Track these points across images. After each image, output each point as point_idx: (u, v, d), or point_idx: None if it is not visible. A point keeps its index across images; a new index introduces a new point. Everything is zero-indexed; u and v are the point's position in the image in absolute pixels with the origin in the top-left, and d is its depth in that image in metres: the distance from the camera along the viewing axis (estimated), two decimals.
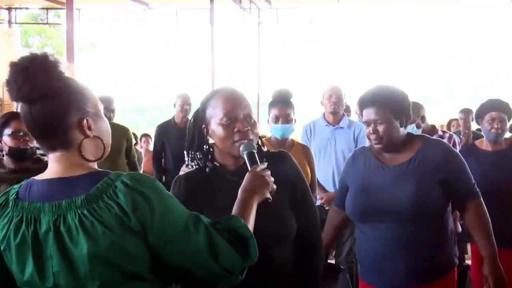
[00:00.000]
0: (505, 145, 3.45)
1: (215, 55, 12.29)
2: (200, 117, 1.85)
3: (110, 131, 1.45)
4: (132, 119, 21.38)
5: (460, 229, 3.94)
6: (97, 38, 31.13)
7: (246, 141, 1.75)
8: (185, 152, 1.88)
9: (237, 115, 1.78)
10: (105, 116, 1.46)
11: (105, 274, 1.27)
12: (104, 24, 26.75)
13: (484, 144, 3.48)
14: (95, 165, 1.40)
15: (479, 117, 3.46)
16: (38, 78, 1.29)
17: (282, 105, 3.31)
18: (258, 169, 1.65)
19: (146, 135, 9.13)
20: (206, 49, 13.63)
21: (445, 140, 4.05)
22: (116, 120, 5.30)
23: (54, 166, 1.36)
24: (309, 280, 1.89)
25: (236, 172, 1.81)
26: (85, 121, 1.36)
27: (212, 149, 1.86)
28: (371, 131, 2.35)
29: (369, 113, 2.36)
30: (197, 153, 1.85)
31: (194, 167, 1.92)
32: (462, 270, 3.31)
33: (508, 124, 3.48)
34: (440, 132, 4.20)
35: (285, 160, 1.93)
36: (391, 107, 2.32)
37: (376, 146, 2.37)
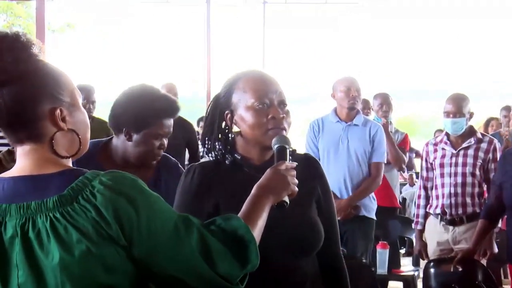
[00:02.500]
0: None
1: (212, 39, 12.30)
2: (223, 102, 1.86)
3: (88, 124, 1.47)
4: None
5: (496, 250, 3.97)
6: (74, 18, 31.18)
7: (281, 133, 1.77)
8: (199, 142, 1.90)
9: (271, 99, 1.80)
10: (84, 108, 1.47)
11: (79, 287, 1.28)
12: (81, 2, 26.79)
13: None
14: (69, 163, 1.41)
15: None
16: (5, 60, 1.31)
17: None
18: (283, 166, 1.64)
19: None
20: (201, 31, 13.59)
21: (485, 146, 4.13)
22: (96, 113, 5.32)
23: (22, 161, 1.37)
24: None
25: (261, 167, 1.78)
26: (58, 111, 1.37)
27: (234, 139, 1.88)
28: None
29: None
30: (216, 143, 1.86)
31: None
32: None
33: None
34: (479, 135, 4.25)
35: (315, 166, 1.97)
36: None
37: None
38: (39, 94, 1.35)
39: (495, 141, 4.27)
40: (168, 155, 2.55)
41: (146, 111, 2.34)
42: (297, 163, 1.71)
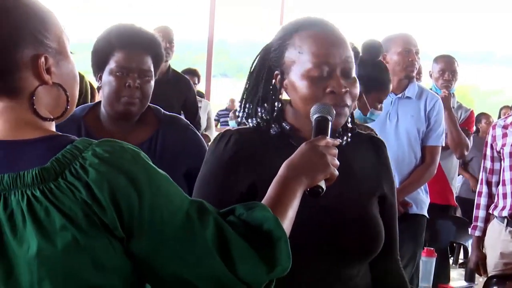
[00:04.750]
0: None
1: None
2: (274, 58, 1.85)
3: (78, 79, 1.47)
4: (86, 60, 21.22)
5: None
6: None
7: (341, 111, 1.77)
8: (237, 104, 1.94)
9: (333, 66, 1.77)
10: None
11: (60, 287, 1.28)
12: None
13: None
14: (52, 127, 1.41)
15: None
16: None
17: None
18: (322, 142, 1.65)
19: None
20: None
21: None
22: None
23: None
24: None
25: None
26: (42, 59, 1.37)
27: (283, 106, 1.89)
28: None
29: None
30: (259, 108, 1.87)
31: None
32: None
33: None
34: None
35: (382, 150, 1.99)
36: None
37: None
38: (19, 36, 1.35)
39: None
40: (177, 115, 2.67)
41: (101, 44, 2.51)
42: (354, 142, 1.77)
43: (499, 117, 9.87)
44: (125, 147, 1.33)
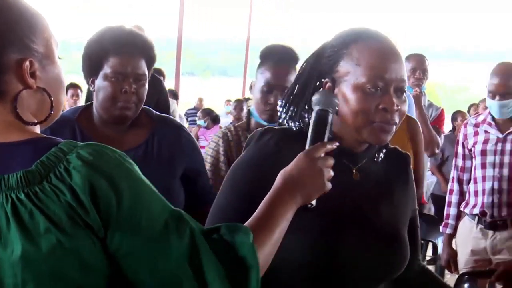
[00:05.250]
0: None
1: None
2: (326, 64, 1.80)
3: (64, 84, 1.47)
4: None
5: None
6: None
7: (389, 129, 1.75)
8: (279, 103, 1.89)
9: (388, 82, 1.73)
10: None
11: None
12: None
13: None
14: (36, 130, 1.41)
15: None
16: None
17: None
18: (320, 152, 1.63)
19: (73, 86, 8.78)
20: None
21: None
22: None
23: None
24: None
25: (352, 155, 1.82)
26: (27, 63, 1.37)
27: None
28: None
29: None
30: (304, 113, 1.82)
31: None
32: None
33: None
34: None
35: (408, 164, 1.97)
36: None
37: None
38: (5, 40, 1.35)
39: None
40: (172, 116, 2.65)
41: (93, 49, 2.46)
42: (382, 157, 1.79)
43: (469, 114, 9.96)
44: (109, 151, 1.34)
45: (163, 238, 1.34)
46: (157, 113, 2.64)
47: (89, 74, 2.50)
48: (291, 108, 1.84)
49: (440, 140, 5.18)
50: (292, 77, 2.48)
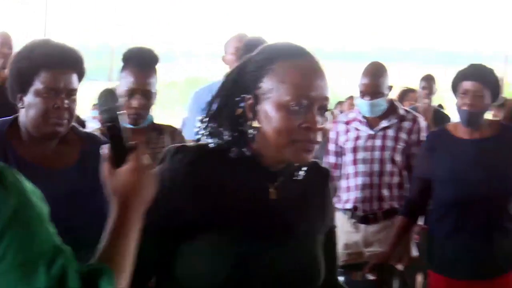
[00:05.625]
0: (490, 131, 3.65)
1: None
2: (249, 80, 1.74)
3: None
4: None
5: (415, 254, 4.18)
6: None
7: (311, 148, 1.71)
8: (198, 119, 1.82)
9: (312, 100, 1.68)
10: None
11: None
12: None
13: (458, 129, 3.69)
14: None
15: (453, 88, 3.68)
16: None
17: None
18: (141, 161, 1.57)
19: None
20: None
21: (408, 125, 4.30)
22: None
23: None
24: None
25: (270, 173, 1.78)
26: None
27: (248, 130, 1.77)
28: None
29: None
30: (224, 130, 1.76)
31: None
32: None
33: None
34: (401, 111, 4.37)
35: (325, 179, 1.95)
36: None
37: None
38: None
39: (420, 118, 4.41)
40: (97, 134, 2.62)
41: (23, 64, 2.39)
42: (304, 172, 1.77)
43: None
44: (6, 172, 1.31)
45: (29, 270, 1.30)
46: (83, 129, 2.60)
47: (18, 91, 2.42)
48: (210, 125, 1.78)
49: None
50: (153, 80, 2.56)
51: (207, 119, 1.79)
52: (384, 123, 4.30)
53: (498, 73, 3.75)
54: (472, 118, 3.58)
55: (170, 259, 1.73)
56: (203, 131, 1.80)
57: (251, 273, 1.70)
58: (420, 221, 4.15)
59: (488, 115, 3.85)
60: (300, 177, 1.82)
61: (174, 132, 3.41)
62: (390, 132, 4.29)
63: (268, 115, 1.70)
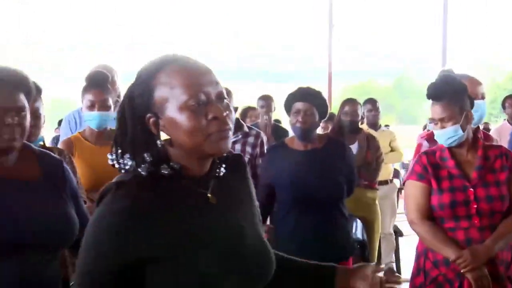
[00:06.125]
0: (320, 143, 4.26)
1: None
2: (141, 104, 1.75)
3: None
4: None
5: None
6: None
7: (227, 135, 1.77)
8: (115, 158, 1.80)
9: (208, 94, 1.72)
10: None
11: None
12: None
13: (294, 142, 4.29)
14: None
15: (286, 108, 4.26)
16: None
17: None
18: None
19: None
20: None
21: (252, 140, 4.85)
22: None
23: None
24: None
25: (200, 181, 1.80)
26: None
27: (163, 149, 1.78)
28: None
29: None
30: (146, 155, 1.74)
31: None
32: None
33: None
34: (245, 128, 4.84)
35: (242, 165, 2.01)
36: None
37: None
38: None
39: (262, 134, 4.98)
40: (50, 152, 2.79)
41: None
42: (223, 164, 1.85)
43: None
44: None
45: None
46: (36, 147, 2.75)
47: None
48: (131, 156, 1.75)
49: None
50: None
51: (122, 153, 1.77)
52: (232, 138, 4.77)
53: (324, 93, 4.33)
54: (304, 133, 4.16)
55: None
56: (129, 164, 1.76)
57: (225, 285, 1.74)
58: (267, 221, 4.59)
59: (318, 130, 4.43)
60: (222, 173, 1.86)
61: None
62: (237, 147, 4.86)
63: (174, 122, 1.71)
